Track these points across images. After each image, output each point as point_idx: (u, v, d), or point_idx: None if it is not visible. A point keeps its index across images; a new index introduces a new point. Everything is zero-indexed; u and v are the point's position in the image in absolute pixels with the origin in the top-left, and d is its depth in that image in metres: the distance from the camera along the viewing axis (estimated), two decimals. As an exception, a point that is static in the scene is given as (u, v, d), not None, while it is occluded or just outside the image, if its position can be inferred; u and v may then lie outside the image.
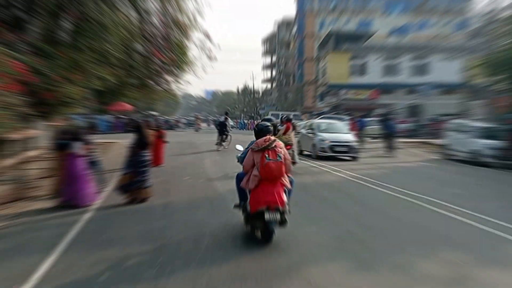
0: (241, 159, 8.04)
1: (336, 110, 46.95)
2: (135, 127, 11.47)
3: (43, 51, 13.86)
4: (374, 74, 47.83)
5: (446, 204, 10.51)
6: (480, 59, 27.01)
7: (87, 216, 9.66)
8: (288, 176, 7.54)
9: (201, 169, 16.92)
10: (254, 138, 7.63)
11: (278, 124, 13.03)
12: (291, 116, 14.55)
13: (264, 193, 7.08)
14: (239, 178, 7.84)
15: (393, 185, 13.10)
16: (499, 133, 20.91)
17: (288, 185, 7.47)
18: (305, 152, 21.65)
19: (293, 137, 15.03)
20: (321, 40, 55.97)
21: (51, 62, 13.88)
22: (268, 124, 7.89)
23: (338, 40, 50.33)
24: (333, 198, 11.48)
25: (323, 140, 20.40)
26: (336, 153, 19.93)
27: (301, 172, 15.77)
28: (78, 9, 15.16)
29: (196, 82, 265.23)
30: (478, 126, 20.99)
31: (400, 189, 12.40)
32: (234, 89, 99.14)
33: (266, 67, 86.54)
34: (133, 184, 10.96)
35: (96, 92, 33.92)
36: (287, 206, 7.23)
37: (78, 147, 10.69)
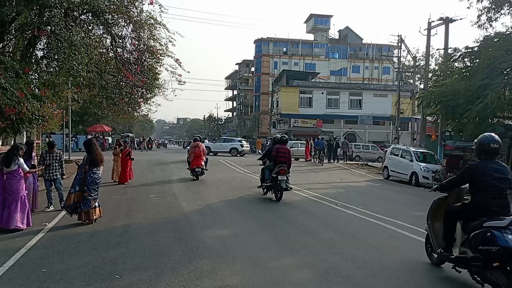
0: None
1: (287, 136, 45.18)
2: (86, 145, 8.88)
3: (9, 67, 11.12)
4: (319, 106, 46.62)
5: (418, 229, 8.47)
6: (415, 96, 26.15)
7: (32, 241, 6.97)
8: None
9: (167, 186, 14.31)
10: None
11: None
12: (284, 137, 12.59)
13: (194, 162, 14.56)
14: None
15: (354, 205, 11.02)
16: (432, 157, 19.61)
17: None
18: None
19: None
20: (275, 77, 54.63)
21: (16, 78, 11.16)
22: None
23: (289, 78, 49.07)
24: (303, 220, 9.16)
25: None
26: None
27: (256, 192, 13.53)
28: (48, 28, 12.57)
29: (168, 111, 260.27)
30: (415, 151, 19.44)
31: (363, 210, 10.32)
32: (201, 117, 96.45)
33: (228, 99, 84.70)
34: (82, 203, 8.37)
35: (75, 113, 30.70)
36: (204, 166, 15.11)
37: (20, 165, 7.98)
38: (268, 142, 42.98)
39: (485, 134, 5.37)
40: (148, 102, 17.05)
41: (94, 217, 8.53)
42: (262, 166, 12.66)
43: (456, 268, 5.24)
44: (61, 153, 10.22)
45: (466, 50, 17.46)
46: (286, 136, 13.10)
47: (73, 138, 39.79)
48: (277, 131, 51.14)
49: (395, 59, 55.87)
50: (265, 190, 12.21)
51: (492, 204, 4.98)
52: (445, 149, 17.72)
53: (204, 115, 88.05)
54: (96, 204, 8.63)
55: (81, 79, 12.15)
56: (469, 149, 16.78)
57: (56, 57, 13.08)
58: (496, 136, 5.25)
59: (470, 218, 5.11)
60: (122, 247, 6.70)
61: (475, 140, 5.31)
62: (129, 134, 57.33)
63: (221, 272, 5.43)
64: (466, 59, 18.38)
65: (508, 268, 4.54)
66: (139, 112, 26.04)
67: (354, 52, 65.38)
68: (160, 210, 9.91)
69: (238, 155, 33.55)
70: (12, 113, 10.75)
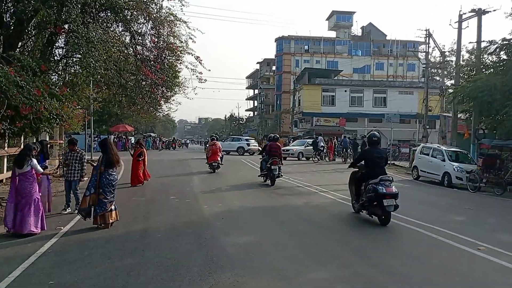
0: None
1: (309, 135, 44.39)
2: (101, 145, 8.40)
3: (26, 65, 10.79)
4: (342, 104, 45.44)
5: (463, 237, 7.64)
6: (444, 92, 25.03)
7: (43, 247, 6.52)
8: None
9: (188, 187, 13.82)
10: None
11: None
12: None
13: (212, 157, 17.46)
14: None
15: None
16: (466, 157, 18.50)
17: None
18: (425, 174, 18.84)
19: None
20: (296, 76, 53.74)
21: (33, 77, 10.82)
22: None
23: (311, 76, 48.09)
24: (332, 226, 8.44)
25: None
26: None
27: (288, 192, 12.86)
28: (65, 25, 12.21)
29: (190, 110, 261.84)
30: (447, 149, 18.36)
31: (396, 214, 9.48)
32: (222, 117, 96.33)
33: (249, 98, 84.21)
34: (97, 206, 7.90)
35: (97, 113, 30.71)
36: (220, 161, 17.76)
37: (33, 166, 7.52)
38: (290, 141, 42.70)
39: (373, 131, 9.66)
40: (169, 100, 16.56)
41: (110, 221, 8.06)
42: (261, 159, 15.55)
43: (362, 211, 8.93)
44: (83, 153, 9.79)
45: (503, 42, 16.32)
46: (278, 135, 18.08)
47: (96, 138, 40.06)
48: (299, 130, 50.34)
49: (421, 55, 54.14)
50: (264, 178, 14.84)
51: (375, 172, 8.62)
52: (481, 148, 16.58)
53: (225, 115, 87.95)
54: (113, 207, 8.16)
55: (99, 77, 11.71)
56: (507, 148, 15.67)
57: (74, 54, 12.74)
58: (377, 133, 9.53)
59: (365, 180, 8.77)
60: (137, 255, 6.16)
61: (367, 134, 8.78)
62: (151, 134, 57.67)
63: (244, 288, 4.82)
64: (502, 52, 17.22)
65: (382, 204, 8.15)
66: (160, 112, 25.84)
67: (378, 49, 63.73)
68: (179, 213, 9.38)
69: (246, 153, 33.75)
70: (29, 113, 10.39)
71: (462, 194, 15.03)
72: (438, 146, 19.58)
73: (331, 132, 41.99)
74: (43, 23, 12.42)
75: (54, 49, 13.33)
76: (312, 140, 30.45)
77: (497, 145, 15.77)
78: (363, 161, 9.07)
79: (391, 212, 8.32)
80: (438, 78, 48.10)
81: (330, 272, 5.45)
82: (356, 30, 66.14)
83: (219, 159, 18.46)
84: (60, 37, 13.51)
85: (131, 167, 14.16)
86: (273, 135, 17.01)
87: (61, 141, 23.49)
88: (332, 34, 65.44)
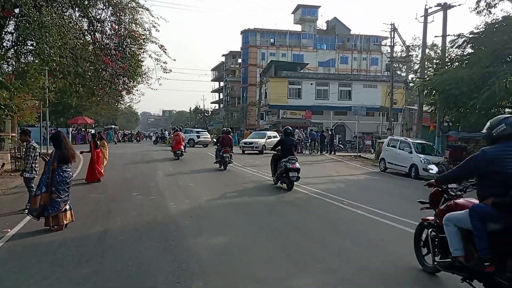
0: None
1: (276, 127, 44.11)
2: (54, 138, 7.50)
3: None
4: (308, 97, 45.39)
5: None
6: (408, 85, 25.25)
7: (-17, 256, 5.63)
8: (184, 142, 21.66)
9: (153, 182, 12.98)
10: None
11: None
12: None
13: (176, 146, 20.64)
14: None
15: (361, 202, 9.85)
16: (431, 149, 18.64)
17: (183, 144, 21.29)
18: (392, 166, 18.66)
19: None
20: (263, 68, 53.21)
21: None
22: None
23: (277, 69, 47.68)
24: (310, 224, 7.89)
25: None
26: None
27: (254, 185, 12.33)
28: (15, 9, 11.03)
29: (153, 103, 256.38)
30: (414, 142, 18.41)
31: (372, 209, 9.16)
32: (187, 109, 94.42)
33: (214, 90, 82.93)
34: (50, 206, 7.05)
35: (54, 104, 28.92)
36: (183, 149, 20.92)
37: None
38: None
39: (287, 126, 13.31)
40: (131, 91, 15.56)
41: (65, 222, 7.21)
42: (216, 149, 18.25)
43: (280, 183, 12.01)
44: (33, 145, 8.63)
45: (470, 36, 16.44)
46: (230, 129, 22.36)
47: (52, 131, 37.92)
48: (265, 122, 49.94)
49: (386, 48, 54.82)
50: (219, 164, 17.11)
51: (286, 154, 11.70)
52: (448, 140, 16.72)
53: (190, 107, 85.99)
54: (67, 206, 7.30)
55: (53, 64, 10.65)
56: (473, 140, 15.83)
57: (25, 41, 11.58)
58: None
59: (280, 160, 11.76)
60: (95, 262, 5.41)
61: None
62: (113, 126, 55.48)
63: (220, 300, 4.21)
64: (468, 46, 17.38)
65: (288, 176, 11.25)
66: (121, 103, 24.62)
67: (342, 43, 64.22)
68: (143, 211, 8.61)
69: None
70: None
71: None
72: (405, 139, 19.64)
73: (298, 125, 41.87)
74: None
75: (2, 35, 12.08)
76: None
77: (464, 137, 15.92)
78: (280, 146, 12.29)
79: (294, 182, 11.62)
80: (400, 73, 49.08)
81: (314, 277, 4.89)
82: (321, 24, 66.39)
83: (182, 147, 21.23)
84: (10, 22, 12.29)
85: (89, 161, 12.95)
86: (225, 129, 20.76)
87: (14, 134, 21.86)
88: (298, 28, 65.32)
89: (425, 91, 18.65)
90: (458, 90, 16.02)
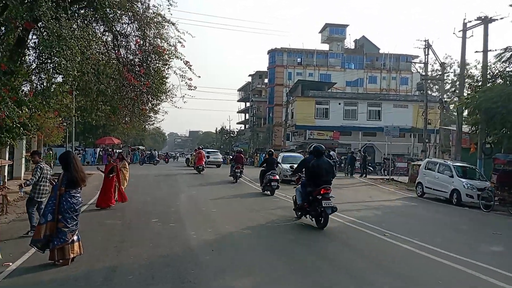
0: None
1: (302, 148, 42.94)
2: (62, 159, 6.70)
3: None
4: (336, 117, 44.07)
5: (503, 272, 6.08)
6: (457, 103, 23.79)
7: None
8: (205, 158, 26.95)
9: (174, 207, 12.10)
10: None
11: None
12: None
13: (198, 162, 25.63)
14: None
15: (405, 234, 8.61)
16: (474, 172, 17.09)
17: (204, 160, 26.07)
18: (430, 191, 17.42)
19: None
20: (289, 88, 52.45)
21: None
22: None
23: (304, 88, 46.79)
24: (349, 260, 6.74)
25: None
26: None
27: (281, 212, 11.21)
28: (38, 23, 10.57)
29: (180, 124, 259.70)
30: (455, 165, 16.91)
31: (419, 242, 7.91)
32: (213, 130, 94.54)
33: (240, 111, 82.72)
34: (55, 237, 6.21)
35: (81, 124, 28.88)
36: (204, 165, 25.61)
37: None
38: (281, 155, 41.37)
39: (270, 149, 23.88)
40: (155, 109, 14.90)
41: (71, 255, 6.34)
42: (231, 165, 22.72)
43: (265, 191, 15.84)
44: (40, 166, 8.06)
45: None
46: (242, 149, 28.79)
47: (81, 151, 38.11)
48: (292, 143, 48.86)
49: (416, 67, 53.05)
50: (233, 178, 20.91)
51: (269, 169, 16.04)
52: (495, 163, 15.18)
53: (216, 128, 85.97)
54: (75, 237, 6.45)
55: (71, 79, 10.06)
56: (524, 164, 14.28)
57: (47, 58, 11.07)
58: (272, 150, 19.94)
59: (265, 173, 16.07)
60: (96, 311, 4.47)
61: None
62: (140, 147, 55.58)
63: None
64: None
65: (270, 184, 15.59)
66: (145, 122, 24.28)
67: (371, 62, 62.91)
68: (160, 242, 7.67)
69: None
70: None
71: (476, 214, 13.54)
72: (445, 161, 18.16)
73: (325, 146, 40.60)
74: (11, 19, 10.75)
75: (24, 49, 11.67)
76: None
77: (514, 160, 14.37)
78: (265, 164, 16.68)
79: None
80: (431, 92, 47.24)
81: None
82: (349, 43, 65.43)
83: (203, 163, 25.48)
84: (32, 37, 11.90)
85: (102, 185, 11.92)
86: (238, 149, 26.38)
87: (40, 154, 21.73)
88: (325, 47, 64.61)
89: (467, 110, 17.22)
90: (505, 108, 14.59)
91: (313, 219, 9.28)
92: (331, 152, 28.70)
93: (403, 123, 41.74)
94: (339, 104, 45.21)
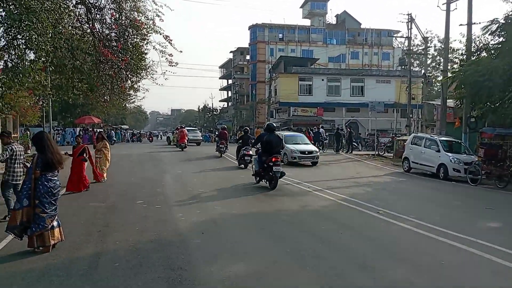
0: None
1: (287, 125, 42.65)
2: (36, 140, 6.16)
3: None
4: (319, 93, 43.80)
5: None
6: (427, 79, 23.65)
7: None
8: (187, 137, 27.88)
9: (159, 187, 11.66)
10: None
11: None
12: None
13: (180, 140, 26.81)
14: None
15: (400, 212, 8.40)
16: (460, 147, 17.10)
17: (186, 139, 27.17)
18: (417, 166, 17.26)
19: None
20: (272, 64, 51.66)
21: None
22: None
23: (287, 64, 46.18)
24: (348, 243, 6.44)
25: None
26: None
27: (273, 192, 10.92)
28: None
29: (162, 102, 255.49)
30: (442, 140, 16.85)
31: (417, 220, 7.72)
32: (195, 108, 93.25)
33: (223, 88, 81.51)
34: (33, 223, 5.76)
35: (58, 103, 27.80)
36: (185, 143, 26.59)
37: None
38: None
39: (245, 127, 23.30)
40: (134, 87, 14.22)
41: (52, 242, 5.90)
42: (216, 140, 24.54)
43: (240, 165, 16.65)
44: (9, 147, 7.45)
45: (507, 21, 14.84)
46: (225, 126, 29.01)
47: (60, 131, 36.94)
48: (276, 120, 48.48)
49: (397, 43, 52.87)
50: (218, 153, 21.74)
51: (244, 145, 16.74)
52: (482, 137, 15.15)
53: (199, 106, 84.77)
54: (54, 223, 5.99)
55: (43, 55, 9.32)
56: (510, 137, 14.28)
57: (16, 33, 10.24)
58: (247, 127, 21.55)
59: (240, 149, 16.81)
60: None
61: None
62: (122, 126, 54.48)
63: None
64: (501, 33, 15.80)
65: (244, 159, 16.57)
66: (125, 100, 23.49)
67: (353, 37, 62.37)
68: (146, 226, 7.26)
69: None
70: None
71: (465, 188, 13.52)
72: (431, 136, 18.09)
73: (309, 123, 40.36)
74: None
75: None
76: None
77: (500, 134, 14.35)
78: (241, 140, 17.14)
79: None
80: (412, 68, 47.18)
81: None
82: (331, 18, 64.73)
83: (185, 141, 26.52)
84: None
85: (71, 169, 10.79)
86: (222, 125, 28.51)
87: (16, 135, 20.78)
88: (307, 22, 63.74)
89: (454, 84, 17.06)
90: (491, 81, 14.45)
91: (267, 182, 11.41)
92: (320, 130, 28.64)
93: (386, 99, 41.65)
94: (322, 80, 44.88)
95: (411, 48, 43.71)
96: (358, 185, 12.91)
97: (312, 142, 26.49)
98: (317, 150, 19.76)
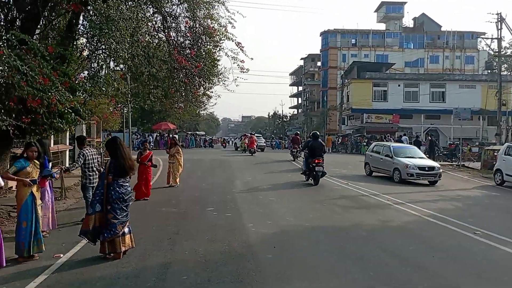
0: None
1: (359, 133, 40.99)
2: (109, 145, 6.11)
3: (32, 47, 8.83)
4: (395, 100, 41.51)
5: None
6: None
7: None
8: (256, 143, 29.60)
9: (229, 194, 11.42)
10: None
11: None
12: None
13: (250, 145, 28.43)
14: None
15: (502, 233, 7.22)
16: None
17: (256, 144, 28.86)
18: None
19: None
20: (344, 70, 50.19)
21: (43, 62, 8.85)
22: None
23: (360, 70, 44.57)
24: (440, 268, 5.53)
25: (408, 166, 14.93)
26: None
27: (354, 204, 10.13)
28: (82, 3, 10.16)
29: (233, 109, 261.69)
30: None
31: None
32: (265, 115, 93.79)
33: (293, 95, 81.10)
34: (105, 229, 5.67)
35: (137, 110, 29.20)
36: (255, 148, 28.14)
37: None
38: (340, 140, 39.82)
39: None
40: (207, 93, 14.29)
41: (123, 249, 5.80)
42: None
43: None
44: (82, 152, 7.75)
45: None
46: (298, 132, 30.18)
47: (139, 136, 38.91)
48: (347, 127, 46.97)
49: (484, 44, 48.65)
50: (292, 157, 21.19)
51: (315, 154, 13.38)
52: None
53: (269, 113, 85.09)
54: (126, 229, 5.89)
55: (121, 61, 9.57)
56: None
57: (99, 43, 10.67)
58: (317, 132, 15.12)
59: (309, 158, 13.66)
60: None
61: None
62: (197, 132, 56.13)
63: None
64: None
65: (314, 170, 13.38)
66: (197, 105, 24.10)
67: (432, 41, 58.65)
68: (216, 235, 6.95)
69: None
70: (36, 106, 8.35)
71: None
72: (528, 146, 15.99)
73: (384, 130, 38.40)
74: (60, 2, 10.42)
75: (75, 33, 11.36)
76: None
77: None
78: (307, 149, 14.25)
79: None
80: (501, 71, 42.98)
81: None
82: (408, 21, 61.55)
83: (255, 146, 27.93)
84: (82, 22, 11.59)
85: (138, 175, 10.50)
86: (296, 131, 28.39)
87: (99, 139, 22.06)
88: (382, 27, 61.24)
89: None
90: None
91: (312, 179, 13.42)
92: (403, 138, 27.08)
93: (471, 105, 38.37)
94: (399, 85, 42.58)
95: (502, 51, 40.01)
96: (445, 199, 11.60)
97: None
98: (439, 165, 16.14)
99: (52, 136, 14.04)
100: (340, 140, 40.77)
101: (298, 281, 4.91)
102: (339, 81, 52.43)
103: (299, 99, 77.54)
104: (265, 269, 5.28)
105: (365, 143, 35.17)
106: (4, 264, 5.27)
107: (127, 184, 5.95)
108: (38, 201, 6.04)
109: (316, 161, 13.08)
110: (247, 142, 29.68)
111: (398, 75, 45.54)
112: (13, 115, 8.09)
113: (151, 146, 36.70)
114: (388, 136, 29.24)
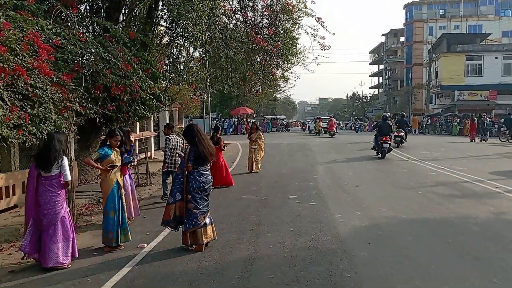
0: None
1: (450, 111, 37.59)
2: (187, 133, 5.76)
3: (114, 34, 8.91)
4: (492, 74, 37.22)
5: None
6: None
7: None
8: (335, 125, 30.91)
9: (311, 181, 10.78)
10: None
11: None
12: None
13: (330, 128, 29.74)
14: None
15: None
16: None
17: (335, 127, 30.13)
18: None
19: None
20: (432, 44, 46.13)
21: (123, 48, 8.92)
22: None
23: (451, 43, 40.58)
24: None
25: None
26: None
27: (456, 192, 8.91)
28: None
29: (309, 91, 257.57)
30: None
31: None
32: (343, 96, 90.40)
33: (373, 74, 76.98)
34: (186, 219, 5.41)
35: (219, 97, 29.48)
36: (334, 130, 29.34)
37: (62, 169, 4.96)
38: (428, 120, 36.84)
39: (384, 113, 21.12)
40: (285, 75, 13.67)
41: (205, 240, 5.50)
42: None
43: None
44: (168, 138, 8.36)
45: None
46: (403, 113, 24.43)
47: (218, 122, 39.66)
48: (436, 106, 43.42)
49: None
50: (375, 152, 17.02)
51: (384, 132, 15.04)
52: None
53: (347, 94, 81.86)
54: (207, 220, 5.58)
55: (198, 43, 9.31)
56: None
57: (177, 29, 10.54)
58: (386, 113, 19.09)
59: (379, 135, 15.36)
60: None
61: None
62: (277, 117, 55.80)
63: None
64: None
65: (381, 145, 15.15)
66: (275, 88, 23.59)
67: (536, 4, 51.54)
68: (301, 227, 6.38)
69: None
70: (120, 93, 8.42)
71: None
72: None
73: (478, 108, 34.68)
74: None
75: (154, 19, 11.38)
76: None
77: None
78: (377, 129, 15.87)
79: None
80: None
81: None
82: (506, -15, 54.48)
83: (334, 129, 29.52)
84: (161, 6, 11.58)
85: (220, 162, 10.13)
86: (401, 113, 24.22)
87: (181, 125, 22.63)
88: (475, -7, 55.07)
89: None
90: None
91: (379, 154, 15.10)
92: (483, 117, 24.62)
93: None
94: (496, 58, 38.11)
95: None
96: None
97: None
98: None
99: (137, 123, 14.49)
100: (429, 120, 37.76)
101: (403, 284, 4.16)
102: (425, 57, 48.43)
103: (380, 78, 73.47)
104: (361, 271, 4.59)
105: (456, 123, 32.19)
106: (77, 255, 5.22)
107: (207, 172, 5.61)
108: (122, 190, 5.97)
109: (384, 138, 14.86)
110: (321, 125, 32.57)
111: (495, 46, 40.74)
112: (99, 103, 8.25)
113: (230, 132, 37.48)
114: (484, 115, 26.17)
